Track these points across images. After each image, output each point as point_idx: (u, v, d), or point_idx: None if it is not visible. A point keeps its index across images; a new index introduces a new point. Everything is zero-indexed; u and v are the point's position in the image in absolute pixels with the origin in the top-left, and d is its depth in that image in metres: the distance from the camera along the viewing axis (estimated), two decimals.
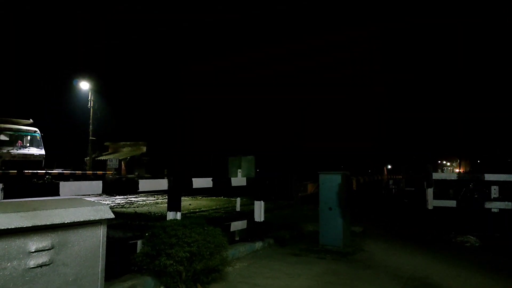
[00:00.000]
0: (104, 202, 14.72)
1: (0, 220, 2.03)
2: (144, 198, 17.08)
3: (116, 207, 13.44)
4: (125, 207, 13.53)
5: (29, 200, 2.56)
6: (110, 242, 2.77)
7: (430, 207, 7.55)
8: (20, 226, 2.10)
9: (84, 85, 29.92)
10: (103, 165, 32.80)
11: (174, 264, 3.82)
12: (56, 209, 2.31)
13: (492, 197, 8.32)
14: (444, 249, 6.33)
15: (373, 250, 6.15)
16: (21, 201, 2.50)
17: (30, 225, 2.14)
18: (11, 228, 2.07)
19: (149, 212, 11.82)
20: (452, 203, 7.78)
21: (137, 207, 13.67)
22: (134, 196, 17.95)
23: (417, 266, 5.22)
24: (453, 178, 9.60)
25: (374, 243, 6.72)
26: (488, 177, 7.47)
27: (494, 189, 8.39)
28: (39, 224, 2.19)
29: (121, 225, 8.44)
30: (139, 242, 4.28)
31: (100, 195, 16.63)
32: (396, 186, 18.14)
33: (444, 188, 13.38)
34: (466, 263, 5.45)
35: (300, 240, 6.93)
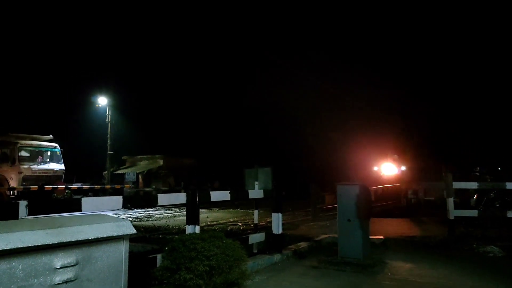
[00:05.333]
0: (123, 216, 14.88)
1: (28, 237, 2.09)
2: (162, 211, 17.20)
3: (135, 221, 13.56)
4: (143, 221, 13.64)
5: (55, 217, 2.63)
6: (131, 257, 2.81)
7: (451, 217, 7.42)
8: (46, 243, 2.15)
9: (102, 101, 30.50)
10: (121, 178, 33.17)
11: (194, 278, 3.83)
12: (81, 225, 2.36)
13: None
14: (466, 260, 6.20)
15: (394, 262, 6.06)
16: (47, 218, 2.56)
17: (56, 241, 2.19)
18: (38, 245, 2.12)
19: (168, 225, 11.89)
20: (473, 213, 7.65)
21: (155, 220, 13.77)
22: (151, 209, 18.09)
23: (440, 278, 5.13)
24: (473, 187, 9.40)
25: (394, 254, 6.62)
26: (510, 185, 7.32)
27: None
28: (65, 240, 2.24)
29: (140, 239, 8.52)
30: (159, 256, 4.33)
31: (118, 209, 16.80)
32: (415, 196, 17.82)
33: (464, 197, 13.11)
34: (490, 273, 5.33)
35: (319, 252, 6.88)
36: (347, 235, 6.14)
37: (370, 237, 6.67)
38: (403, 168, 17.69)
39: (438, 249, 7.03)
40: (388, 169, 18.51)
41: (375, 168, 19.94)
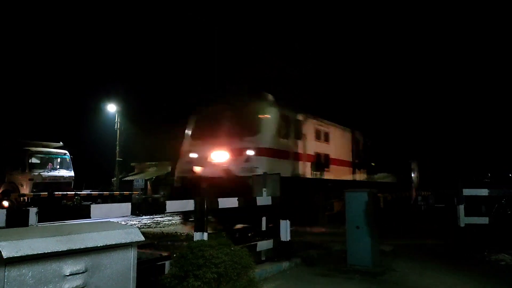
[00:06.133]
0: (131, 222, 14.93)
1: (38, 245, 2.11)
2: (170, 218, 17.21)
3: (143, 228, 13.59)
4: (152, 227, 13.67)
5: (64, 224, 2.64)
6: (139, 264, 2.82)
7: (461, 225, 7.33)
8: (56, 250, 2.17)
9: (111, 108, 30.76)
10: (129, 185, 33.28)
11: (202, 285, 3.83)
12: (90, 232, 2.38)
13: None
14: (478, 268, 6.11)
15: (404, 270, 6.00)
16: (56, 225, 2.58)
17: (65, 249, 2.21)
18: (47, 252, 2.14)
19: (176, 232, 11.89)
20: (484, 220, 7.54)
21: (164, 227, 13.80)
22: (160, 216, 18.12)
23: (450, 287, 5.06)
24: (484, 194, 9.26)
25: (404, 262, 6.55)
26: None
27: None
28: (74, 248, 2.25)
29: (148, 246, 8.52)
30: (167, 263, 4.33)
31: (127, 215, 16.85)
32: (425, 203, 17.65)
33: (475, 204, 12.95)
34: (502, 283, 5.25)
35: (328, 259, 6.82)
36: (356, 242, 6.09)
37: (379, 244, 6.60)
38: (251, 153, 10.11)
39: (448, 257, 6.95)
40: (219, 156, 11.15)
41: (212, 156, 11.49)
